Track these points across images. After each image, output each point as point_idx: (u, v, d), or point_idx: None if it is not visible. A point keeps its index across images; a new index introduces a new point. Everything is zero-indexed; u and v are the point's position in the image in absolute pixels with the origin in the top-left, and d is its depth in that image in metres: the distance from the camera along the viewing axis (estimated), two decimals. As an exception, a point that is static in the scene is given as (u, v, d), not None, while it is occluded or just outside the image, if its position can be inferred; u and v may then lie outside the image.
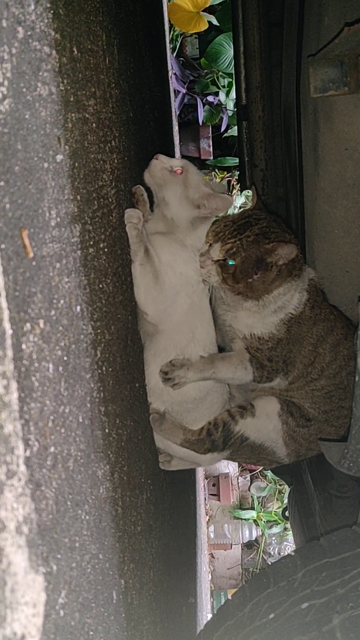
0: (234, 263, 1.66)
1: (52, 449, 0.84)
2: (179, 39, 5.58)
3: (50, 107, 0.94)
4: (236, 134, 2.90)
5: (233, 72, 3.09)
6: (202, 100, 5.46)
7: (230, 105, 5.54)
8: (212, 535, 5.35)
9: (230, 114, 5.58)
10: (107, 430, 1.21)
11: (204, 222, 1.74)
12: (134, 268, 1.60)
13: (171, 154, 3.97)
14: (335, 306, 1.87)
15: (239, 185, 5.35)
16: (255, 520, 5.53)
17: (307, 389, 1.82)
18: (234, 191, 5.83)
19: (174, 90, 5.21)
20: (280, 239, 1.68)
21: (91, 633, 0.98)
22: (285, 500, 3.86)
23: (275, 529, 5.55)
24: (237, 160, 3.08)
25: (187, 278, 1.71)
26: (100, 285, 1.24)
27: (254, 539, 5.49)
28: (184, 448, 1.82)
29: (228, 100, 5.56)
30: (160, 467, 1.94)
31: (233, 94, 5.20)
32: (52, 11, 0.97)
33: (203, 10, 4.84)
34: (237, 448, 1.85)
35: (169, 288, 1.67)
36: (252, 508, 5.62)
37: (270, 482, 5.69)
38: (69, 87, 1.05)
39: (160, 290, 1.65)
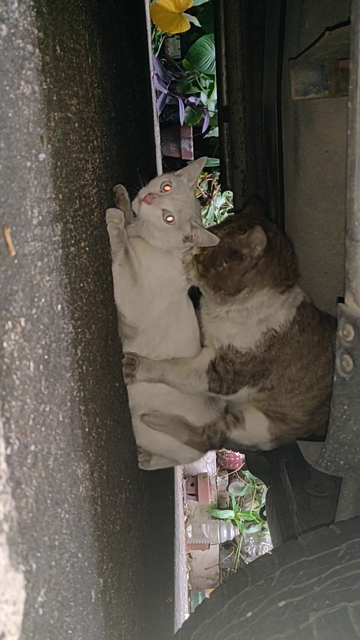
0: (204, 252, 1.68)
1: (32, 448, 0.84)
2: (161, 40, 5.57)
3: (33, 106, 0.94)
4: (217, 135, 2.91)
5: (215, 73, 3.10)
6: (183, 101, 5.46)
7: (212, 107, 5.55)
8: (190, 535, 5.36)
9: (211, 115, 5.59)
10: (87, 429, 1.21)
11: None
12: (114, 268, 1.60)
13: (152, 154, 3.97)
14: (329, 315, 1.85)
15: (219, 186, 5.36)
16: (233, 520, 5.56)
17: (296, 400, 1.82)
18: (215, 192, 5.84)
19: (156, 91, 5.21)
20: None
21: (70, 632, 0.98)
22: (263, 500, 3.88)
23: (253, 529, 5.58)
24: (218, 161, 3.08)
25: (168, 279, 1.72)
26: (81, 284, 1.24)
27: (231, 538, 5.51)
28: (168, 444, 1.90)
29: (209, 101, 5.57)
30: (140, 467, 1.94)
31: (214, 95, 5.22)
32: (35, 9, 0.96)
33: (185, 12, 4.84)
34: (229, 447, 1.99)
35: (147, 290, 1.67)
36: (230, 508, 5.65)
37: (248, 482, 5.72)
38: (51, 86, 1.05)
39: (137, 292, 1.65)
